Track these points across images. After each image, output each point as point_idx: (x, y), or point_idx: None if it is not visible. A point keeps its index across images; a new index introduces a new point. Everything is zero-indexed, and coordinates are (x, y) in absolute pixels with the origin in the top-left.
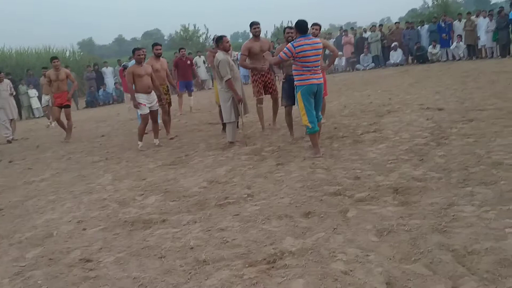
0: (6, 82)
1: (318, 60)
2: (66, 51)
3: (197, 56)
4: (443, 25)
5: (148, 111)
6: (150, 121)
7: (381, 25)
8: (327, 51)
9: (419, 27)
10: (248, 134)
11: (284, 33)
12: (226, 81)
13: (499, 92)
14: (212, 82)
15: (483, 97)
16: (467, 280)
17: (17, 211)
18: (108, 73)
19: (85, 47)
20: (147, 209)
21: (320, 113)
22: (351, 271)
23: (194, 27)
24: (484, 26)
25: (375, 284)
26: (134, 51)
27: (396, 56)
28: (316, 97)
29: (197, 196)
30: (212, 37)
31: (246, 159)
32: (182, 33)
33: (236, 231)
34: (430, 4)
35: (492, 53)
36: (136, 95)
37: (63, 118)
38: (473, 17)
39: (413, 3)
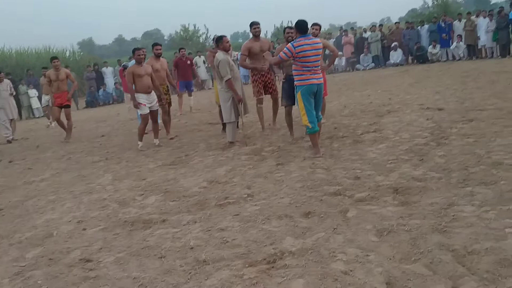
0: (6, 82)
1: (318, 60)
2: (66, 51)
3: (197, 56)
4: (443, 25)
5: (148, 111)
6: (150, 121)
7: (381, 25)
8: (327, 51)
9: (419, 27)
10: (248, 134)
11: (284, 33)
12: (226, 81)
13: (499, 92)
14: (212, 82)
15: (483, 97)
16: (467, 280)
17: (17, 211)
18: (108, 73)
19: (85, 47)
20: (147, 209)
21: (320, 113)
22: (351, 271)
23: (194, 27)
24: (484, 26)
25: (375, 284)
26: (134, 51)
27: (396, 56)
28: (316, 97)
29: (197, 196)
30: (212, 37)
31: (246, 159)
32: (182, 33)
33: (236, 231)
34: (430, 4)
35: (492, 53)
36: (136, 95)
37: (63, 118)
38: (473, 17)
39: (413, 3)
